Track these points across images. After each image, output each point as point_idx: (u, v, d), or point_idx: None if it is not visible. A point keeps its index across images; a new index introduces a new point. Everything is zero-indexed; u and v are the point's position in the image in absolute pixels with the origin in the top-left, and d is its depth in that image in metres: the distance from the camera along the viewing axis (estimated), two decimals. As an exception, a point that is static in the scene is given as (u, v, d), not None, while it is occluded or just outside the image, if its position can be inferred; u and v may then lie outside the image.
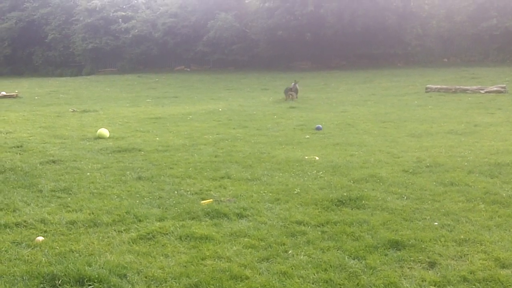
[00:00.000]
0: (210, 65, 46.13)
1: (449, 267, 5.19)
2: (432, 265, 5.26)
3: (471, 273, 5.02)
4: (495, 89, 23.40)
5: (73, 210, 7.08)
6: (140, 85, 33.25)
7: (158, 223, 6.51)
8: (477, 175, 8.72)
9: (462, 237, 5.94)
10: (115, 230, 6.32)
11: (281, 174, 9.04)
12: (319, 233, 6.16)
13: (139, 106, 21.64)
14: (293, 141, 12.42)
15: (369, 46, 41.31)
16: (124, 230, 6.33)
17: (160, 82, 34.97)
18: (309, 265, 5.24)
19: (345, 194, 7.59)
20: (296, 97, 22.42)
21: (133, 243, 5.89)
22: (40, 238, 6.04)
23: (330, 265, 5.23)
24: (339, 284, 4.84)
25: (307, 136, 13.20)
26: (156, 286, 4.82)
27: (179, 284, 4.83)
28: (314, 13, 39.32)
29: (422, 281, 4.89)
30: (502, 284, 4.80)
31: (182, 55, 46.59)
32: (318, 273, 5.07)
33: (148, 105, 21.87)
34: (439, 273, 5.05)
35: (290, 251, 5.61)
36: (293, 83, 22.96)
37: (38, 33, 51.66)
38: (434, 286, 4.79)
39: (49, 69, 51.79)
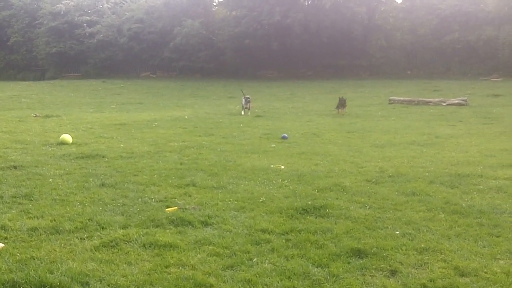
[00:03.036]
0: (176, 72, 46.05)
1: (410, 275, 5.28)
2: (393, 273, 5.35)
3: (431, 281, 5.11)
4: (457, 101, 23.90)
5: (34, 217, 6.98)
6: (104, 90, 32.98)
7: (122, 230, 6.46)
8: (437, 185, 8.89)
9: (422, 245, 6.05)
10: (77, 238, 6.25)
11: (246, 182, 9.07)
12: (284, 241, 6.20)
13: (103, 112, 21.46)
14: (259, 150, 12.47)
15: (335, 56, 41.82)
16: (87, 237, 6.26)
17: (125, 88, 34.74)
18: (273, 273, 5.28)
19: (309, 202, 7.66)
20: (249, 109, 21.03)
21: (95, 251, 5.84)
22: (0, 245, 5.93)
23: (294, 273, 5.27)
24: (303, 292, 4.88)
25: (273, 145, 13.27)
26: (119, 294, 4.80)
27: (143, 291, 4.81)
28: (281, 22, 39.65)
29: (384, 289, 4.97)
30: (461, 292, 4.90)
31: (148, 61, 46.41)
32: (282, 280, 5.10)
33: (113, 111, 21.71)
34: (400, 281, 5.14)
35: (254, 259, 5.63)
36: (246, 97, 21.25)
37: (0, 36, 50.83)
38: (395, 294, 4.87)
39: (11, 72, 51.03)
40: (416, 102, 24.59)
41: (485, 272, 5.35)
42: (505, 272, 5.33)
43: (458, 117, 19.57)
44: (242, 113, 20.71)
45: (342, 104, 21.35)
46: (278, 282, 5.06)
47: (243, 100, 21.02)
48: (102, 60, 46.83)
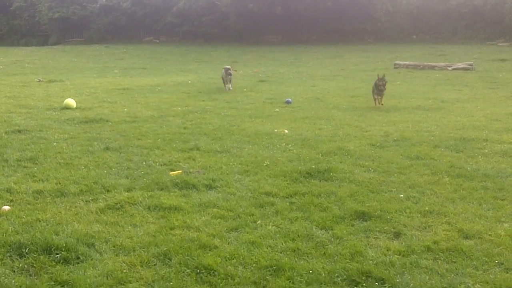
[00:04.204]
0: (179, 37, 45.69)
1: (414, 237, 5.29)
2: (397, 235, 5.36)
3: (434, 243, 5.12)
4: (462, 66, 23.69)
5: (39, 180, 7.00)
6: (107, 55, 32.82)
7: (126, 193, 6.49)
8: (442, 149, 8.86)
9: (426, 208, 6.05)
10: (82, 200, 6.28)
11: (250, 146, 9.06)
12: (288, 204, 6.22)
13: (106, 76, 21.37)
14: (263, 114, 12.44)
15: (339, 21, 41.36)
16: (92, 200, 6.30)
17: (128, 53, 34.55)
18: (277, 235, 5.30)
19: (313, 166, 7.65)
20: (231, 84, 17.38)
21: (101, 213, 5.87)
22: (6, 208, 5.97)
23: (298, 235, 5.29)
24: (306, 253, 4.90)
25: (277, 110, 13.22)
26: (125, 255, 4.82)
27: (148, 253, 4.84)
28: (285, -14, 39.15)
29: (387, 250, 4.98)
30: (465, 254, 4.91)
31: (151, 26, 46.03)
32: (286, 242, 5.13)
33: (116, 76, 21.62)
34: (403, 243, 5.16)
35: (258, 221, 5.66)
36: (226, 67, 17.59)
37: (2, 1, 50.40)
38: (399, 255, 4.88)
39: (14, 38, 50.71)
40: (421, 66, 24.39)
41: (489, 235, 5.36)
42: (509, 235, 5.34)
43: (464, 81, 19.42)
44: (225, 88, 17.12)
45: (379, 88, 13.91)
46: (282, 244, 5.08)
47: (223, 72, 17.35)
48: (105, 25, 46.46)
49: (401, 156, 8.40)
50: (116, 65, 27.01)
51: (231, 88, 17.11)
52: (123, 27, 46.45)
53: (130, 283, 4.32)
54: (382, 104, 13.80)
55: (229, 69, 17.34)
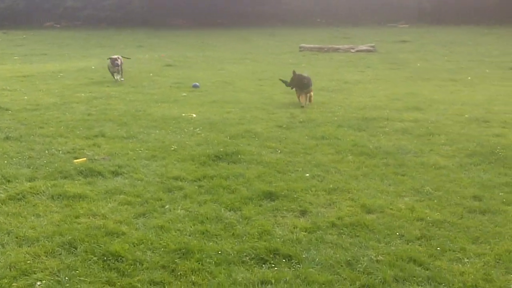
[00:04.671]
0: (81, 21, 44.28)
1: (319, 214, 5.45)
2: (303, 213, 5.50)
3: (339, 219, 5.30)
4: (365, 48, 24.41)
5: None
6: (5, 42, 31.33)
7: (29, 183, 6.27)
8: (346, 129, 9.13)
9: (331, 186, 6.24)
10: (-19, 192, 6.02)
11: (157, 131, 8.97)
12: (196, 187, 6.22)
13: (5, 64, 20.41)
14: (170, 99, 12.32)
15: (246, 4, 41.47)
16: (-8, 191, 6.05)
17: (28, 39, 33.12)
18: (186, 219, 5.30)
19: (221, 149, 7.69)
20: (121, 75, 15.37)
21: (2, 204, 5.65)
22: None
23: (207, 217, 5.32)
24: (215, 235, 4.93)
25: (184, 94, 13.13)
26: (28, 246, 4.67)
27: (52, 242, 4.71)
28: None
29: (294, 228, 5.10)
30: (368, 228, 5.11)
31: (51, 11, 44.33)
32: (195, 225, 5.14)
33: (16, 63, 20.70)
34: (309, 220, 5.30)
35: (167, 206, 5.63)
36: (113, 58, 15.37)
37: None
38: (305, 232, 5.01)
39: None
40: (326, 49, 24.91)
41: (391, 209, 5.60)
42: (409, 208, 5.61)
43: (366, 63, 20.01)
44: (114, 79, 15.18)
45: (300, 85, 11.59)
46: (191, 227, 5.09)
47: (109, 62, 15.40)
48: (1, 10, 44.31)
49: (306, 137, 8.58)
50: (15, 51, 25.83)
51: (122, 80, 15.12)
52: (21, 12, 44.45)
53: (35, 273, 4.20)
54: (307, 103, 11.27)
55: (116, 59, 15.13)
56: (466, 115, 10.16)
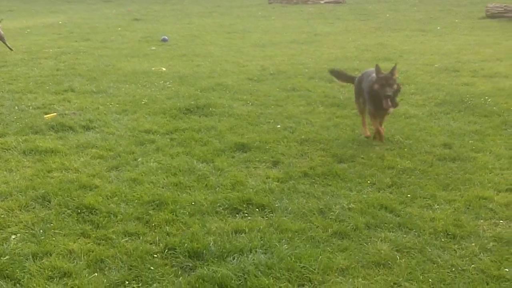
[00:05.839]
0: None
1: (291, 164, 5.51)
2: (275, 163, 5.55)
3: (311, 169, 5.36)
4: None
5: None
6: (-33, -3, 30.42)
7: (0, 139, 6.21)
8: (317, 80, 9.16)
9: (303, 137, 6.29)
10: (-50, 149, 5.94)
11: (127, 85, 8.89)
12: (168, 140, 6.22)
13: (-32, 19, 19.87)
14: (139, 53, 12.19)
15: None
16: (-39, 148, 5.97)
17: (-10, -6, 32.19)
18: (159, 171, 5.31)
19: (192, 102, 7.67)
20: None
21: (-28, 160, 5.60)
22: None
23: (180, 170, 5.33)
24: (189, 187, 4.96)
25: (153, 48, 13.00)
26: (1, 200, 4.64)
27: (26, 196, 4.69)
28: None
29: (267, 178, 5.15)
30: (339, 176, 5.18)
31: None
32: (168, 177, 5.16)
33: (-21, 19, 20.15)
34: (282, 170, 5.35)
35: (139, 159, 5.63)
36: None
37: None
38: (278, 182, 5.07)
39: None
40: (295, 1, 24.75)
41: (362, 158, 5.68)
42: (380, 157, 5.69)
43: (335, 15, 19.97)
44: None
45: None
46: (164, 179, 5.11)
47: None
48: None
49: (277, 89, 8.59)
50: (-23, 7, 25.15)
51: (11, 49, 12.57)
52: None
53: (9, 227, 4.19)
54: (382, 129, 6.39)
55: None
56: (436, 65, 10.26)
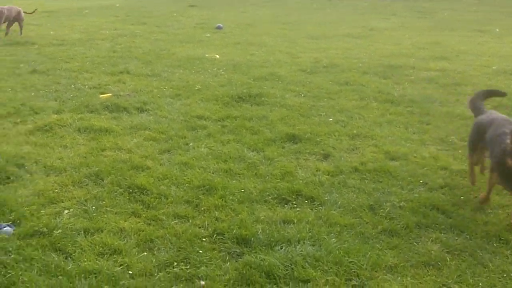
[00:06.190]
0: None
1: (342, 158, 5.46)
2: (326, 156, 5.52)
3: (362, 164, 5.31)
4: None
5: (-38, 102, 6.74)
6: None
7: (55, 115, 6.35)
8: (371, 75, 9.06)
9: (354, 132, 6.23)
10: (10, 122, 6.13)
11: (181, 71, 8.97)
12: (220, 127, 6.26)
13: (29, -2, 20.37)
14: (194, 39, 12.27)
15: None
16: (20, 122, 6.15)
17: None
18: (210, 156, 5.35)
19: (245, 91, 7.68)
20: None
21: (30, 135, 5.75)
22: None
23: (230, 157, 5.36)
24: (238, 174, 4.98)
25: (208, 35, 13.07)
26: (56, 175, 4.77)
27: (79, 173, 4.80)
28: None
29: (317, 170, 5.13)
30: (391, 174, 5.11)
31: None
32: (218, 163, 5.19)
33: (39, -2, 20.63)
34: (332, 164, 5.31)
35: (191, 144, 5.68)
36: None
37: None
38: (328, 175, 5.03)
39: None
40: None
41: (415, 157, 5.58)
42: (434, 157, 5.58)
43: (391, 10, 19.69)
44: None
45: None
46: (214, 165, 5.14)
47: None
48: None
49: (330, 82, 8.53)
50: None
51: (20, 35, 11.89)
52: None
53: (62, 202, 4.29)
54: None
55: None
56: (493, 67, 10.02)
